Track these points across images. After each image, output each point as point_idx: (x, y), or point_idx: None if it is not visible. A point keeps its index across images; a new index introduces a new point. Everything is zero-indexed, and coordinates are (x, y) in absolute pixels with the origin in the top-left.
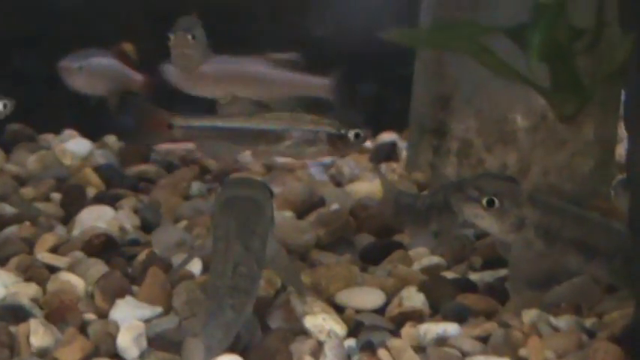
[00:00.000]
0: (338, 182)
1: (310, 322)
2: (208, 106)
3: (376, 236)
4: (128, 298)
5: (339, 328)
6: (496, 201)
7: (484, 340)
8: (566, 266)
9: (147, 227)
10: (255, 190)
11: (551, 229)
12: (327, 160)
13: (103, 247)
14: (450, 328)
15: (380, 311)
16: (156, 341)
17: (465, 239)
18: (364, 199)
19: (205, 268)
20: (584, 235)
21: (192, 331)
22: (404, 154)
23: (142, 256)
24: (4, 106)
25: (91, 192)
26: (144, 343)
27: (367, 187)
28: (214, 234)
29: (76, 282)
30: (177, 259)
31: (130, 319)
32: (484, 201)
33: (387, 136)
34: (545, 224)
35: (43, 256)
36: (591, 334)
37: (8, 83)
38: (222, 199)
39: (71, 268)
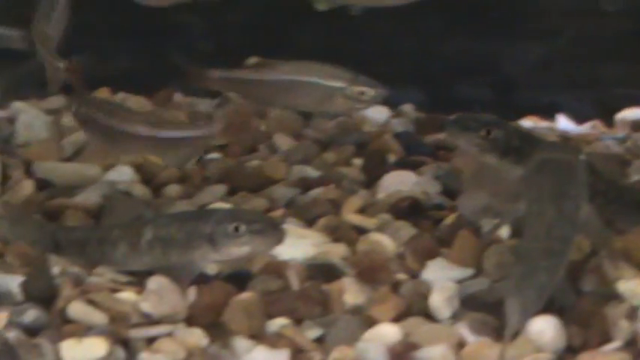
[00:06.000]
0: None
1: (623, 286)
2: None
3: None
4: (438, 260)
5: None
6: None
7: None
8: None
9: (448, 193)
10: (570, 153)
11: None
12: None
13: (409, 210)
14: None
15: None
16: (468, 302)
17: None
18: None
19: (513, 233)
20: None
21: (505, 292)
22: None
23: (450, 219)
24: None
25: (391, 158)
26: (456, 304)
27: None
28: (527, 197)
29: (385, 243)
30: (484, 224)
31: (441, 279)
32: None
33: None
34: None
35: (351, 217)
36: None
37: None
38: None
39: (380, 230)
